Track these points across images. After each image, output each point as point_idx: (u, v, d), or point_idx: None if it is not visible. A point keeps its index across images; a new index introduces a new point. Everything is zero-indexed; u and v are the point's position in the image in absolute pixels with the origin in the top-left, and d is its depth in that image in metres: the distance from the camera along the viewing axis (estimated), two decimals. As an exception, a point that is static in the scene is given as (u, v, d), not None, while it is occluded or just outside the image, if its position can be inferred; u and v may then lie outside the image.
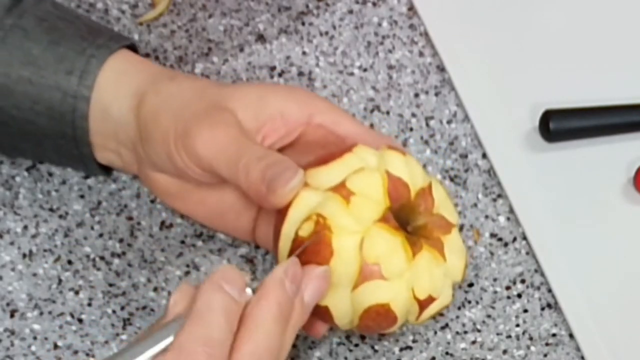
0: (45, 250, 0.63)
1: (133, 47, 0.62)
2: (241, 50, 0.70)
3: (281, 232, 0.54)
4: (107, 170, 0.63)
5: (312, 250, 0.53)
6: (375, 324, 0.55)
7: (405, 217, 0.55)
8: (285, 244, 0.54)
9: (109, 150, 0.60)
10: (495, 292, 0.64)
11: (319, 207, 0.53)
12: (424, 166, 0.65)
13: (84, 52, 0.59)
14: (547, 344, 0.62)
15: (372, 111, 0.68)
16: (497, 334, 0.62)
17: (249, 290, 0.51)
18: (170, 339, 0.49)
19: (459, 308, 0.63)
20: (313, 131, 0.58)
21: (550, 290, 0.64)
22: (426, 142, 0.67)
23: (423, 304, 0.55)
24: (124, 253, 0.63)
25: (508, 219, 0.66)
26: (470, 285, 0.64)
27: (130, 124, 0.58)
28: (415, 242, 0.54)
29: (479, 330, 0.63)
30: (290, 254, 0.54)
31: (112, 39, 0.60)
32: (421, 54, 0.70)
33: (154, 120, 0.57)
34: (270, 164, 0.54)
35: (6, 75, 0.58)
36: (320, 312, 0.55)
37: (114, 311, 0.62)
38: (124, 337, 0.61)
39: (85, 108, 0.58)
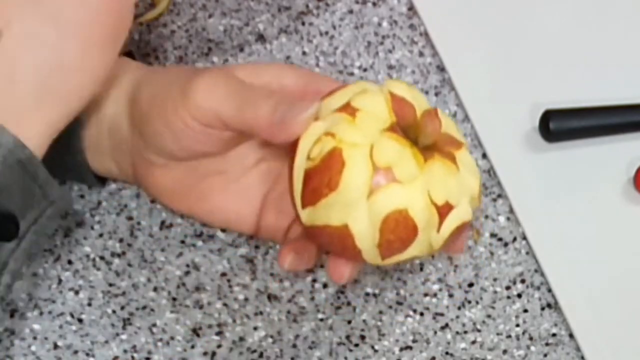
0: (45, 250, 0.63)
1: (130, 54, 0.62)
2: (241, 50, 0.70)
3: (294, 167, 0.54)
4: (101, 180, 0.63)
5: (323, 167, 0.52)
6: (397, 237, 0.53)
7: (413, 137, 0.54)
8: (298, 175, 0.54)
9: (105, 156, 0.60)
10: (495, 292, 0.64)
11: (327, 129, 0.53)
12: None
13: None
14: (547, 344, 0.62)
15: (372, 111, 0.68)
16: (497, 334, 0.63)
17: None
18: None
19: (459, 308, 0.63)
20: None
21: (550, 290, 0.64)
22: (426, 142, 0.67)
23: (442, 212, 0.53)
24: (124, 253, 0.63)
25: (508, 219, 0.66)
26: (470, 285, 0.64)
27: (123, 119, 0.58)
28: (425, 152, 0.53)
29: (479, 330, 0.63)
30: (303, 185, 0.53)
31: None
32: (421, 54, 0.70)
33: (150, 104, 0.57)
34: (280, 99, 0.54)
35: None
36: (341, 238, 0.53)
37: (114, 311, 0.62)
38: (124, 337, 0.61)
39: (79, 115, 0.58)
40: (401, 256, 0.54)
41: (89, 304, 0.62)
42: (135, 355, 0.61)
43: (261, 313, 0.62)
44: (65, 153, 0.60)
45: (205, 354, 0.61)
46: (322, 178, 0.52)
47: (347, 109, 0.53)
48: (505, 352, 0.62)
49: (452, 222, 0.54)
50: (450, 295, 0.64)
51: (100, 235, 0.64)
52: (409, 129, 0.54)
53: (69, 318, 0.62)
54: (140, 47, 0.69)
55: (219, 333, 0.62)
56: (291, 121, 0.53)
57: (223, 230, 0.64)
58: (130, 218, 0.64)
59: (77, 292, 0.62)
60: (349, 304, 0.63)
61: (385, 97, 0.54)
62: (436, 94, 0.69)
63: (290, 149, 0.55)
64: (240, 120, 0.54)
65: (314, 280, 0.63)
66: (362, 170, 0.52)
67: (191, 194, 0.59)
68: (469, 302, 0.63)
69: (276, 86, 0.57)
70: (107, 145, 0.60)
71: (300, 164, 0.54)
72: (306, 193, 0.54)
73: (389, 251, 0.54)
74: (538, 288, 0.64)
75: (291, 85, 0.57)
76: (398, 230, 0.53)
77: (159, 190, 0.60)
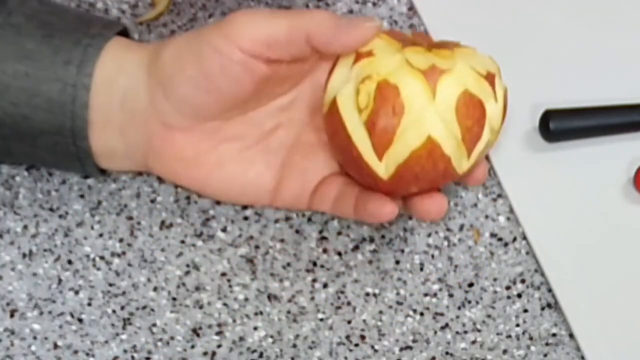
0: (45, 250, 0.63)
1: (125, 32, 0.62)
2: (241, 50, 0.70)
3: (349, 134, 0.55)
4: (102, 171, 0.63)
5: (380, 103, 0.54)
6: (473, 119, 0.54)
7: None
8: (360, 135, 0.54)
9: (111, 130, 0.59)
10: (495, 292, 0.64)
11: (358, 79, 0.54)
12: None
13: (80, 42, 0.58)
14: (547, 344, 0.62)
15: (372, 111, 0.68)
16: (497, 334, 0.63)
17: None
18: None
19: (459, 308, 0.63)
20: None
21: (550, 290, 0.64)
22: (426, 142, 0.67)
23: (490, 80, 0.56)
24: (124, 253, 0.63)
25: (508, 219, 0.66)
26: (470, 285, 0.64)
27: (141, 87, 0.58)
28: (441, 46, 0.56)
29: (479, 330, 0.63)
30: (370, 136, 0.54)
31: (105, 27, 0.59)
32: (421, 54, 0.70)
33: (178, 56, 0.57)
34: (338, 15, 0.55)
35: (2, 71, 0.58)
36: (429, 155, 0.54)
37: (114, 311, 0.62)
38: (124, 337, 0.61)
39: (85, 96, 0.58)
40: (481, 143, 0.55)
41: (89, 304, 0.62)
42: (135, 355, 0.61)
43: (261, 313, 0.62)
44: (70, 143, 0.59)
45: (205, 354, 0.61)
46: (386, 112, 0.54)
47: (362, 55, 0.55)
48: (505, 352, 0.62)
49: (500, 88, 0.56)
50: (450, 295, 0.64)
51: (100, 235, 0.64)
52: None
53: (69, 318, 0.62)
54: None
55: (219, 333, 0.62)
56: (362, 24, 0.54)
57: (223, 230, 0.64)
58: (130, 218, 0.64)
59: (77, 292, 0.62)
60: (349, 304, 0.63)
61: (379, 35, 0.56)
62: (436, 94, 0.69)
63: (326, 125, 0.56)
64: (295, 32, 0.54)
65: (314, 280, 0.63)
66: (414, 80, 0.54)
67: (208, 161, 0.59)
68: (469, 302, 0.63)
69: None
70: (117, 118, 0.59)
71: (355, 124, 0.54)
72: (377, 141, 0.54)
73: (471, 141, 0.55)
74: (538, 288, 0.64)
75: None
76: (470, 111, 0.55)
77: (174, 160, 0.59)
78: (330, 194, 0.59)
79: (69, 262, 0.63)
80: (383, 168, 0.55)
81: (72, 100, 0.58)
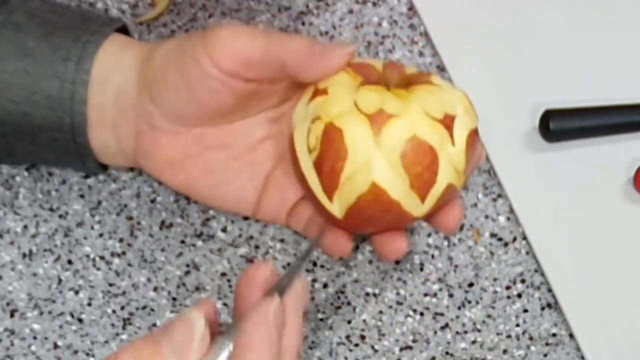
0: (45, 250, 0.63)
1: (124, 30, 0.62)
2: (241, 50, 0.70)
3: (303, 171, 0.54)
4: (103, 167, 0.63)
5: (326, 147, 0.53)
6: (422, 166, 0.53)
7: (385, 87, 0.55)
8: (310, 174, 0.54)
9: (105, 127, 0.59)
10: (495, 292, 0.64)
11: (311, 118, 0.54)
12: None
13: (79, 39, 0.59)
14: (547, 344, 0.62)
15: (372, 111, 0.68)
16: (497, 334, 0.63)
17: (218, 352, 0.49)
18: None
19: (459, 308, 0.63)
20: None
21: (550, 290, 0.64)
22: (426, 142, 0.67)
23: (446, 124, 0.53)
24: (124, 253, 0.63)
25: (508, 219, 0.66)
26: (470, 285, 0.64)
27: (132, 83, 0.58)
28: (403, 87, 0.54)
29: (479, 330, 0.63)
30: (319, 177, 0.54)
31: (104, 24, 0.60)
32: (421, 54, 0.70)
33: (165, 60, 0.57)
34: (314, 39, 0.54)
35: (2, 69, 0.58)
36: (377, 200, 0.53)
37: (114, 311, 0.62)
38: (124, 337, 0.61)
39: (83, 92, 0.58)
40: (437, 188, 0.54)
41: (89, 304, 0.62)
42: (135, 355, 0.61)
43: (261, 313, 0.62)
44: (70, 139, 0.59)
45: (205, 354, 0.61)
46: (330, 156, 0.53)
47: (317, 93, 0.54)
48: (505, 352, 0.62)
49: (461, 130, 0.54)
50: (450, 295, 0.64)
51: (100, 235, 0.64)
52: (378, 83, 0.55)
53: (69, 318, 0.62)
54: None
55: (219, 333, 0.62)
56: (332, 52, 0.54)
57: (223, 230, 0.64)
58: (130, 218, 0.64)
59: (77, 292, 0.62)
60: (349, 304, 0.63)
61: (345, 70, 0.55)
62: (436, 94, 0.69)
63: (290, 157, 0.55)
64: (270, 56, 0.54)
65: (314, 280, 0.63)
66: (359, 125, 0.52)
67: (194, 167, 0.59)
68: (469, 302, 0.63)
69: None
70: (110, 115, 0.59)
71: (307, 163, 0.54)
72: (325, 183, 0.54)
73: (423, 187, 0.53)
74: (538, 288, 0.64)
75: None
76: (419, 158, 0.53)
77: (160, 161, 0.59)
78: (304, 216, 0.59)
79: (69, 262, 0.63)
80: (336, 208, 0.54)
81: (70, 97, 0.58)
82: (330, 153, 0.53)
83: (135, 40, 0.60)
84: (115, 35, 0.60)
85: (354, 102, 0.53)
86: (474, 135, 0.54)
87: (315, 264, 0.64)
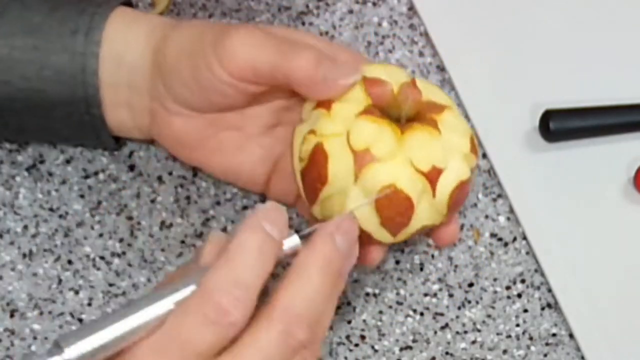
0: (45, 250, 0.63)
1: (129, 5, 0.62)
2: (241, 50, 0.70)
3: (294, 169, 0.55)
4: (117, 141, 0.63)
5: (311, 164, 0.54)
6: (395, 212, 0.53)
7: (396, 113, 0.55)
8: (298, 177, 0.55)
9: (119, 105, 0.60)
10: (495, 292, 0.64)
11: (309, 127, 0.55)
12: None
13: (86, 11, 0.59)
14: (547, 344, 0.62)
15: (372, 111, 0.68)
16: (497, 334, 0.63)
17: (295, 237, 0.49)
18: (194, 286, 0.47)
19: (459, 308, 0.63)
20: None
21: (550, 290, 0.64)
22: (426, 142, 0.67)
23: (431, 177, 0.53)
24: (124, 253, 0.63)
25: (508, 219, 0.66)
26: (470, 285, 0.64)
27: (146, 65, 0.58)
28: (405, 126, 0.54)
29: (479, 330, 0.63)
30: (303, 185, 0.55)
31: None
32: (421, 54, 0.70)
33: (178, 56, 0.57)
34: (321, 52, 0.54)
35: (10, 47, 0.58)
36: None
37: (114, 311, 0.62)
38: (124, 337, 0.61)
39: (94, 64, 0.58)
40: (410, 229, 0.54)
41: (89, 304, 0.62)
42: (135, 355, 0.61)
43: (261, 313, 0.62)
44: (84, 112, 0.59)
45: (205, 354, 0.61)
46: (313, 175, 0.54)
47: (324, 103, 0.54)
48: (505, 352, 0.62)
49: (446, 183, 0.54)
50: (450, 295, 0.64)
51: (100, 235, 0.64)
52: (390, 106, 0.55)
53: (69, 318, 0.62)
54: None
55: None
56: (334, 83, 0.54)
57: (223, 230, 0.64)
58: (130, 218, 0.64)
59: (77, 292, 0.62)
60: (349, 304, 0.63)
61: (360, 82, 0.55)
62: (436, 94, 0.69)
63: (290, 151, 0.56)
64: (278, 71, 0.54)
65: (314, 280, 0.63)
66: (343, 158, 0.53)
67: (207, 146, 0.60)
68: (469, 302, 0.63)
69: None
70: (124, 93, 0.59)
71: (297, 167, 0.55)
72: (307, 192, 0.55)
73: (395, 227, 0.54)
74: (538, 288, 0.64)
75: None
76: (393, 205, 0.53)
77: (175, 140, 0.60)
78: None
79: (69, 262, 0.63)
80: (315, 211, 0.55)
81: (82, 69, 0.58)
82: (313, 172, 0.54)
83: (144, 13, 0.60)
84: (122, 9, 0.60)
85: (347, 132, 0.53)
86: (462, 185, 0.55)
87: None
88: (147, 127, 0.60)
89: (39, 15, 0.59)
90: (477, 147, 0.56)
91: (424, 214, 0.54)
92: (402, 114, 0.55)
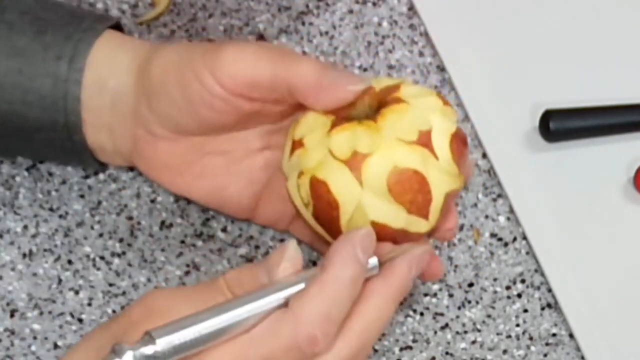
0: (45, 250, 0.63)
1: (119, 27, 0.61)
2: (241, 50, 0.70)
3: (299, 211, 0.56)
4: (102, 164, 0.63)
5: (317, 201, 0.53)
6: (413, 192, 0.53)
7: (361, 113, 0.55)
8: (315, 226, 0.55)
9: (101, 129, 0.59)
10: (495, 292, 0.64)
11: (295, 172, 0.54)
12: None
13: (71, 37, 0.58)
14: (547, 344, 0.62)
15: (372, 111, 0.68)
16: (497, 334, 0.63)
17: (375, 262, 0.51)
18: (290, 292, 0.48)
19: (459, 308, 0.63)
20: None
21: (550, 290, 0.64)
22: (426, 142, 0.67)
23: (423, 142, 0.53)
24: (124, 253, 0.63)
25: (508, 219, 0.66)
26: (470, 285, 0.64)
27: (129, 89, 0.57)
28: (375, 118, 0.54)
29: (479, 330, 0.63)
30: (323, 228, 0.54)
31: (97, 21, 0.59)
32: (421, 54, 0.70)
33: (165, 72, 0.56)
34: (326, 64, 0.53)
35: None
36: (383, 234, 0.53)
37: (114, 311, 0.62)
38: (124, 337, 0.61)
39: (77, 91, 0.57)
40: (436, 203, 0.54)
41: (89, 304, 0.62)
42: (135, 355, 0.61)
43: (261, 313, 0.62)
44: (65, 138, 0.59)
45: (205, 354, 0.61)
46: (324, 207, 0.53)
47: (295, 145, 0.55)
48: (505, 352, 0.62)
49: (441, 141, 0.53)
50: (450, 295, 0.64)
51: (100, 235, 0.64)
52: (351, 112, 0.55)
53: (69, 318, 0.62)
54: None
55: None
56: (343, 88, 0.53)
57: (223, 230, 0.64)
58: (130, 218, 0.64)
59: (77, 292, 0.62)
60: (349, 304, 0.63)
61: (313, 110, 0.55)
62: (436, 94, 0.69)
63: (294, 209, 0.56)
64: (277, 81, 0.53)
65: (314, 280, 0.63)
66: (340, 173, 0.53)
67: (191, 171, 0.59)
68: (469, 302, 0.63)
69: None
70: (107, 118, 0.58)
71: (307, 215, 0.55)
72: (329, 231, 0.54)
73: (421, 209, 0.54)
74: (538, 288, 0.64)
75: None
76: (406, 186, 0.53)
77: (157, 166, 0.59)
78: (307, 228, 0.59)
79: (69, 262, 0.63)
80: None
81: (64, 96, 0.57)
82: (322, 205, 0.53)
83: (131, 38, 0.60)
84: (109, 33, 0.59)
85: (329, 150, 0.53)
86: (456, 137, 0.54)
87: (315, 264, 0.63)
88: (128, 152, 0.59)
89: (24, 38, 0.58)
90: (448, 100, 0.55)
91: (439, 181, 0.53)
92: (367, 111, 0.55)
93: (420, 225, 0.54)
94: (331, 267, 0.49)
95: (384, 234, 0.53)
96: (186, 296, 0.49)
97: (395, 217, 0.53)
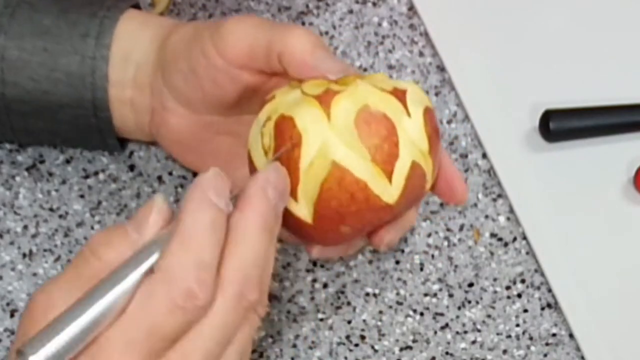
0: (45, 250, 0.63)
1: (137, 7, 0.62)
2: (241, 50, 0.70)
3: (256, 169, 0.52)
4: (121, 143, 0.63)
5: (278, 136, 0.51)
6: (380, 137, 0.50)
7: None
8: (257, 156, 0.52)
9: (124, 104, 0.60)
10: (495, 292, 0.64)
11: (261, 124, 0.53)
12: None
13: (96, 15, 0.59)
14: (547, 344, 0.62)
15: (372, 111, 0.68)
16: (497, 334, 0.63)
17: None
18: (155, 257, 0.46)
19: (459, 308, 0.63)
20: None
21: (550, 290, 0.64)
22: (426, 142, 0.67)
23: (398, 95, 0.51)
24: (124, 253, 0.63)
25: (508, 219, 0.66)
26: (470, 285, 0.64)
27: (149, 61, 0.59)
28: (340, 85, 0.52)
29: (479, 330, 0.63)
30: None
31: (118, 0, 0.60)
32: (421, 54, 0.70)
33: (178, 46, 0.57)
34: (318, 44, 0.53)
35: (20, 48, 0.59)
36: (339, 181, 0.50)
37: (114, 311, 0.62)
38: (124, 337, 0.61)
39: (104, 67, 0.59)
40: (401, 164, 0.50)
41: (89, 304, 0.62)
42: (135, 355, 0.61)
43: (261, 313, 0.62)
44: (91, 115, 0.60)
45: (205, 354, 0.61)
46: (286, 151, 0.50)
47: (265, 101, 0.53)
48: (505, 352, 0.62)
49: (415, 105, 0.52)
50: (450, 295, 0.64)
51: (100, 235, 0.64)
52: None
53: (69, 318, 0.62)
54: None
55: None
56: (322, 74, 0.52)
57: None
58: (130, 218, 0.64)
59: (77, 292, 0.62)
60: (349, 304, 0.63)
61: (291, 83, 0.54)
62: (436, 94, 0.69)
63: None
64: (272, 48, 0.53)
65: (314, 280, 0.63)
66: (309, 108, 0.51)
67: (202, 149, 0.60)
68: (469, 302, 0.63)
69: None
70: (129, 91, 0.60)
71: (261, 162, 0.52)
72: (289, 173, 0.51)
73: (386, 161, 0.50)
74: (538, 288, 0.64)
75: None
76: (374, 128, 0.50)
77: (172, 140, 0.60)
78: None
79: (69, 262, 0.63)
80: (304, 209, 0.51)
81: (91, 72, 0.59)
82: (284, 143, 0.50)
83: (153, 15, 0.61)
84: (131, 11, 0.60)
85: (301, 90, 0.51)
86: (430, 112, 0.52)
87: (315, 264, 0.64)
88: (148, 126, 0.60)
89: (48, 17, 0.59)
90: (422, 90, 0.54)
91: (407, 142, 0.50)
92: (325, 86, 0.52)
93: (383, 188, 0.50)
94: (186, 216, 0.46)
95: (342, 187, 0.50)
96: (62, 284, 0.47)
97: (358, 162, 0.50)
